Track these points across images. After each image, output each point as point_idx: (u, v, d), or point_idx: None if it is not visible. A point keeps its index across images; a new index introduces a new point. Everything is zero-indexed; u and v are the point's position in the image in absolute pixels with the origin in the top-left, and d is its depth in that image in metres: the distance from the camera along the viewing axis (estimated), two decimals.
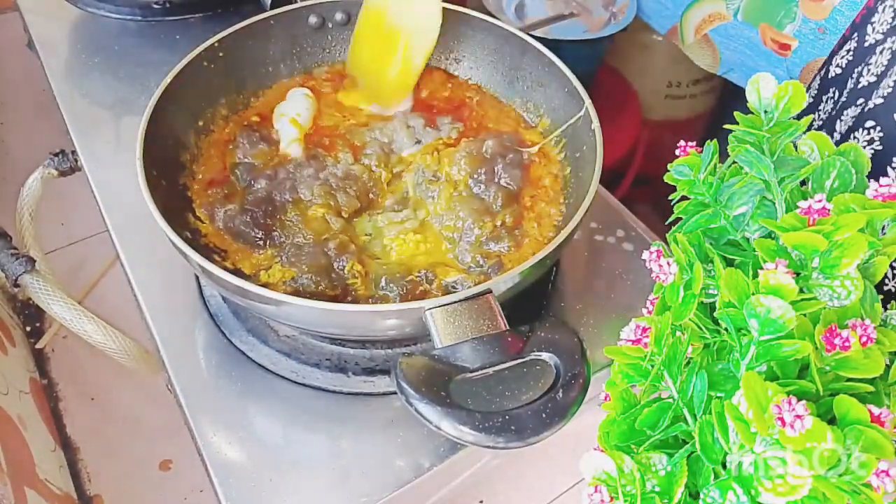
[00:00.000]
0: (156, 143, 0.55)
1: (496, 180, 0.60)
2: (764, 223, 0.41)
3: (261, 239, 0.56)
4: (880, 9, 0.63)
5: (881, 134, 0.57)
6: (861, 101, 0.61)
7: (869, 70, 0.62)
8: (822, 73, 0.76)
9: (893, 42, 0.59)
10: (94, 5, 0.84)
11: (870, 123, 0.58)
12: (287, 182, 0.59)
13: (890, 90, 0.56)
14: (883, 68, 0.59)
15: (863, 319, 0.37)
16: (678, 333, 0.40)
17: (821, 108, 0.74)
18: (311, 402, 0.54)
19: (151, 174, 0.52)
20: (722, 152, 0.46)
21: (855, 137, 0.59)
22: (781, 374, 0.37)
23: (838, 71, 0.70)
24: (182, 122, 0.61)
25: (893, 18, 0.60)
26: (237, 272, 0.53)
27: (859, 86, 0.63)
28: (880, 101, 0.57)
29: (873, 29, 0.63)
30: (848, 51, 0.67)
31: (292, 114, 0.64)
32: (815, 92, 0.76)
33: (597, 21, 1.03)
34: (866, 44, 0.64)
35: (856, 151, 0.44)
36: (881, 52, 0.60)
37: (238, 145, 0.62)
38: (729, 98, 1.31)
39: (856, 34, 0.67)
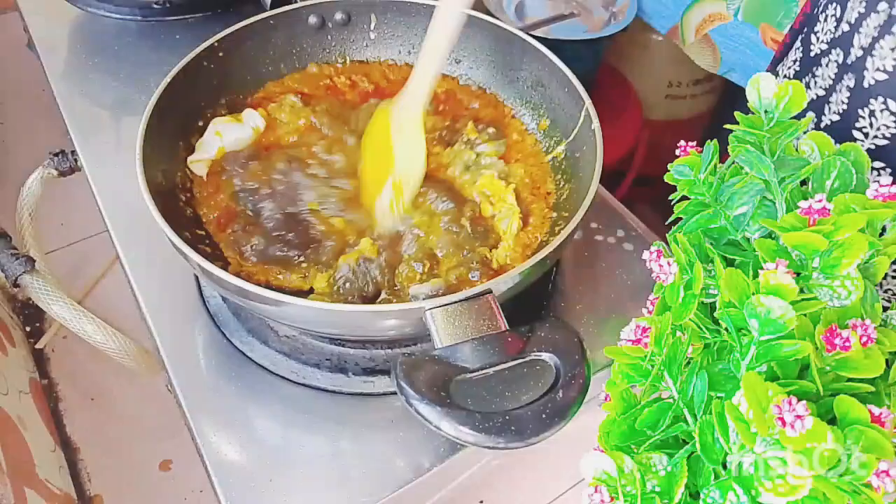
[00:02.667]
0: (156, 142, 0.55)
1: None
2: (764, 223, 0.41)
3: (299, 256, 0.56)
4: (822, 18, 0.62)
5: None
6: (811, 114, 0.61)
7: (816, 83, 0.61)
8: None
9: (838, 54, 0.58)
10: (94, 5, 0.84)
11: None
12: (290, 193, 0.58)
13: (844, 106, 0.56)
14: (831, 82, 0.59)
15: (863, 319, 0.37)
16: (678, 333, 0.40)
17: None
18: (311, 403, 0.54)
19: (151, 174, 0.52)
20: (722, 152, 0.46)
21: None
22: (782, 374, 0.37)
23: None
24: (182, 122, 0.61)
25: (837, 27, 0.59)
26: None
27: (808, 99, 0.62)
28: (836, 117, 0.57)
29: (818, 38, 0.62)
30: (794, 61, 0.66)
31: (225, 133, 0.61)
32: None
33: (597, 21, 1.03)
34: (812, 53, 0.63)
35: (856, 151, 0.44)
36: (827, 65, 0.60)
37: (231, 174, 0.60)
38: (729, 98, 1.31)
39: (799, 42, 0.66)
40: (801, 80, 0.65)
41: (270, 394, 0.55)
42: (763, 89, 0.46)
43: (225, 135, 0.61)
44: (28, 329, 1.22)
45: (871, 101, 0.53)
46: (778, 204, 0.43)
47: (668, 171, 0.48)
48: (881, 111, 0.53)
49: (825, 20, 0.61)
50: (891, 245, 0.40)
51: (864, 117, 0.54)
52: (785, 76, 0.69)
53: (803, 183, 0.44)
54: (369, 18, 0.70)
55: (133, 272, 0.61)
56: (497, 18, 0.67)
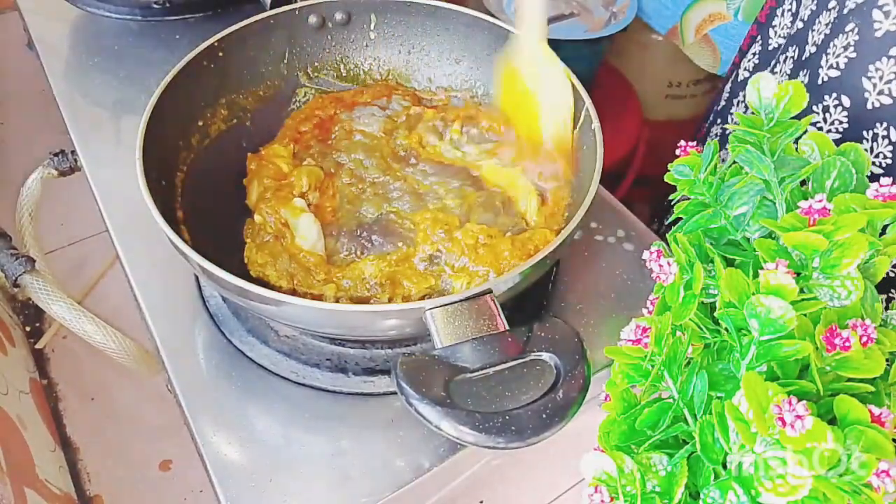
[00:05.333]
0: (156, 142, 0.55)
1: None
2: (764, 223, 0.41)
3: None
4: (779, 12, 0.62)
5: None
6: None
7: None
8: (732, 76, 0.75)
9: (794, 50, 0.59)
10: (93, 5, 0.84)
11: None
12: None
13: None
14: (787, 77, 0.59)
15: (863, 319, 0.37)
16: (678, 333, 0.40)
17: (732, 111, 0.74)
18: (312, 403, 0.54)
19: (151, 174, 0.52)
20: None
21: None
22: (782, 374, 0.37)
23: (746, 75, 0.69)
24: (182, 122, 0.61)
25: (792, 23, 0.59)
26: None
27: None
28: None
29: (775, 32, 0.63)
30: (754, 54, 0.67)
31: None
32: (727, 95, 0.76)
33: (597, 21, 1.03)
34: (770, 47, 0.64)
35: (856, 151, 0.44)
36: (784, 61, 0.60)
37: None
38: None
39: (759, 36, 0.66)
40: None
41: (270, 394, 0.55)
42: (763, 89, 0.46)
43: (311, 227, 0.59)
44: (28, 329, 1.22)
45: (825, 97, 0.54)
46: (778, 204, 0.43)
47: (668, 171, 0.48)
48: (835, 107, 0.54)
49: (782, 15, 0.61)
50: (891, 245, 0.40)
51: (818, 113, 0.55)
52: (745, 69, 0.69)
53: (803, 183, 0.44)
54: (369, 18, 0.70)
55: (133, 272, 0.61)
56: (497, 18, 0.67)
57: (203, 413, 0.53)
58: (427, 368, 0.43)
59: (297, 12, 0.67)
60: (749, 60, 0.68)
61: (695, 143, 0.48)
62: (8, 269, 0.68)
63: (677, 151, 0.48)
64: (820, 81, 0.55)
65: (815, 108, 0.56)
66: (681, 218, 0.47)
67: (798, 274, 0.38)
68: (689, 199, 0.47)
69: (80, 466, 1.07)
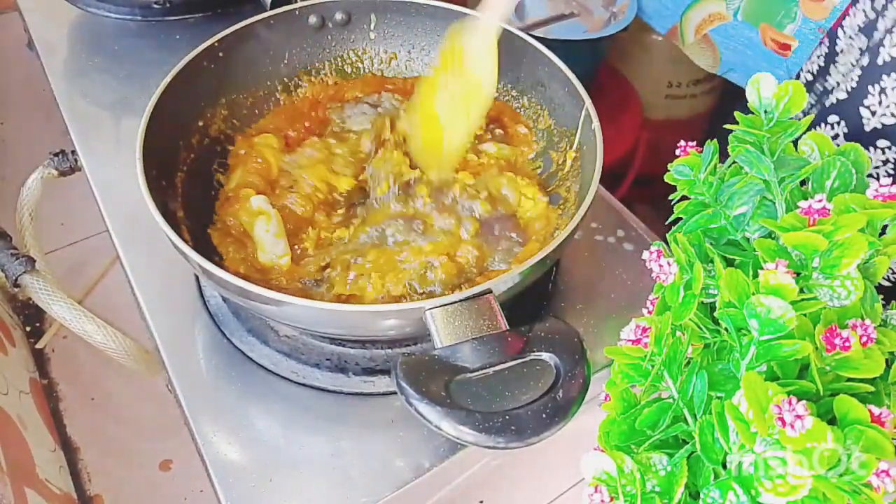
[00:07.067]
0: (156, 143, 0.55)
1: None
2: (764, 223, 0.41)
3: None
4: (851, 13, 0.62)
5: (845, 129, 0.57)
6: (827, 95, 0.61)
7: (838, 70, 0.61)
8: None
9: (862, 40, 0.58)
10: (94, 5, 0.84)
11: (833, 118, 0.58)
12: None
13: (854, 84, 0.56)
14: (850, 66, 0.59)
15: (863, 319, 0.37)
16: (678, 333, 0.40)
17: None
18: (312, 403, 0.54)
19: (151, 174, 0.52)
20: (722, 152, 0.46)
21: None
22: (782, 374, 0.37)
23: (809, 77, 0.69)
24: (182, 123, 0.61)
25: (864, 17, 0.59)
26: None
27: (828, 87, 0.63)
28: (844, 95, 0.57)
29: (844, 33, 0.62)
30: (819, 56, 0.67)
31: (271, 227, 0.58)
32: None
33: (597, 21, 1.03)
34: (837, 48, 0.64)
35: (856, 151, 0.44)
36: (848, 51, 0.60)
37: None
38: (729, 98, 1.31)
39: (827, 41, 0.66)
40: (824, 74, 0.65)
41: (270, 394, 0.55)
42: (763, 89, 0.46)
43: (271, 229, 0.58)
44: (28, 329, 1.22)
45: (884, 77, 0.53)
46: (778, 204, 0.43)
47: (668, 171, 0.48)
48: (892, 89, 0.53)
49: (854, 16, 0.61)
50: (891, 245, 0.40)
51: (873, 94, 0.54)
52: (808, 71, 0.69)
53: (803, 183, 0.44)
54: (369, 18, 0.70)
55: (133, 272, 0.61)
56: None
57: (203, 413, 0.53)
58: (427, 368, 0.43)
59: (297, 12, 0.67)
60: (813, 63, 0.67)
61: None
62: (8, 269, 0.68)
63: (677, 151, 0.48)
64: (880, 62, 0.54)
65: (870, 88, 0.55)
66: (681, 218, 0.47)
67: (798, 274, 0.39)
68: (688, 198, 0.47)
69: (80, 466, 1.07)
